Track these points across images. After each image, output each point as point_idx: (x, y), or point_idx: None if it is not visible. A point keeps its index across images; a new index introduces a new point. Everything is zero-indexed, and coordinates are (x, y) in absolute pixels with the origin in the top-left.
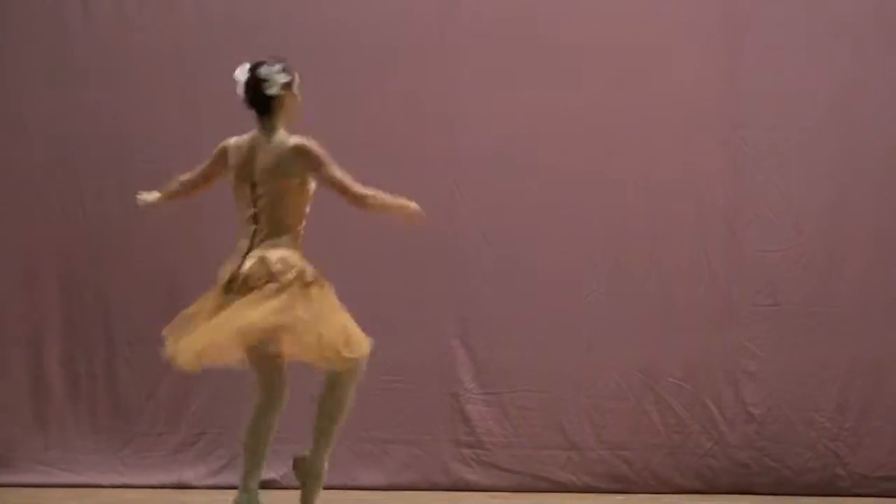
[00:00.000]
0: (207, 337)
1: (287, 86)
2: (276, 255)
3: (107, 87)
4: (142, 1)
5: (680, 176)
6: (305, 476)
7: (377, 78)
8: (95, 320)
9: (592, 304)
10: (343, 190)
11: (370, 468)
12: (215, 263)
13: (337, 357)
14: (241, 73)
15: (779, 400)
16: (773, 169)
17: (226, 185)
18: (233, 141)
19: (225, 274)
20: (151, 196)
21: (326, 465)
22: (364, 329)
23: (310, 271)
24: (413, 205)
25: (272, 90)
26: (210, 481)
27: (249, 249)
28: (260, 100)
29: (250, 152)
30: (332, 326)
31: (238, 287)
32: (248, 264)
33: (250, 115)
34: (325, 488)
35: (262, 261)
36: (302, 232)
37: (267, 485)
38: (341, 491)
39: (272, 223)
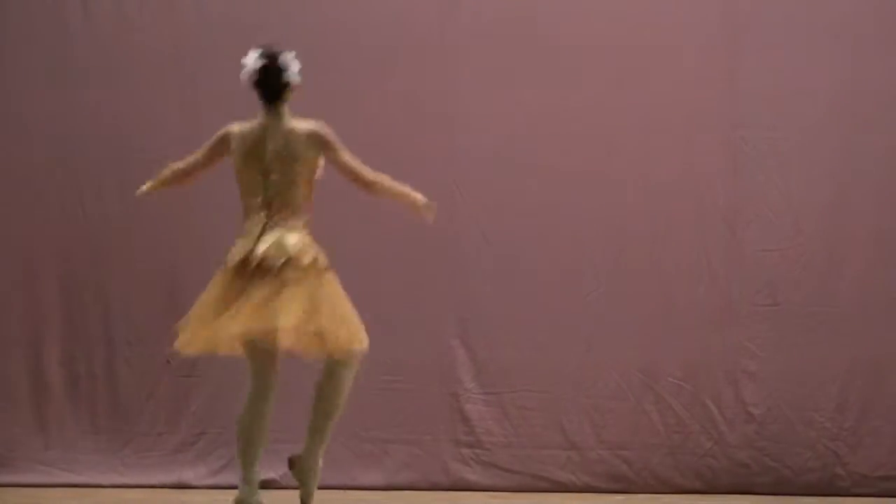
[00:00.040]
0: (230, 325)
1: (298, 73)
2: (293, 238)
3: (107, 87)
4: (142, 1)
5: (680, 176)
6: (301, 474)
7: (377, 78)
8: (95, 320)
9: (592, 304)
10: (355, 175)
11: (370, 468)
12: (215, 263)
13: (343, 347)
14: (256, 60)
15: (779, 400)
16: (773, 169)
17: (224, 184)
18: (236, 127)
19: (236, 255)
20: (144, 186)
21: (321, 461)
22: (364, 328)
23: (322, 257)
24: (423, 198)
25: (292, 78)
26: (210, 481)
27: (262, 233)
28: (276, 87)
29: (260, 138)
30: (344, 315)
31: (253, 269)
32: (263, 246)
33: (251, 112)
34: (325, 488)
35: (279, 244)
36: (310, 219)
37: (267, 485)
38: (341, 491)
39: (285, 208)
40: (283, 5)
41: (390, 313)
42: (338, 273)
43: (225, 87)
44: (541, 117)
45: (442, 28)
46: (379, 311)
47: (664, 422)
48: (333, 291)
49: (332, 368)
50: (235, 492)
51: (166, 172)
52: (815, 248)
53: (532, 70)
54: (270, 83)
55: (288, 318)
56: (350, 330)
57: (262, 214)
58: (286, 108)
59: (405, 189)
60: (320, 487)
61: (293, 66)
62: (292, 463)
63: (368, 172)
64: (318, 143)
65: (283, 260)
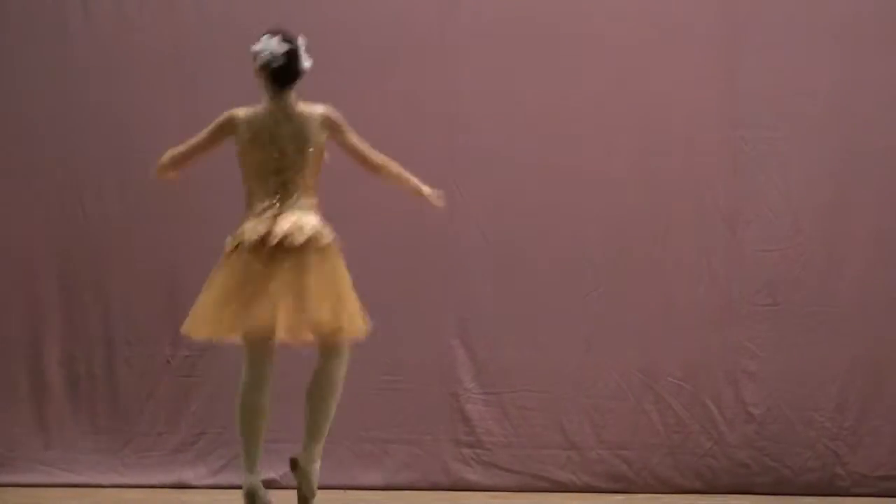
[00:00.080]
0: (258, 312)
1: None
2: (312, 219)
3: (107, 87)
4: (142, 1)
5: (680, 176)
6: (304, 475)
7: (377, 78)
8: (95, 320)
9: (592, 304)
10: (363, 158)
11: (370, 468)
12: (215, 263)
13: (350, 332)
14: (280, 43)
15: (779, 400)
16: (773, 169)
17: (225, 185)
18: (241, 112)
19: (252, 234)
20: (156, 175)
21: (319, 459)
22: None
23: (335, 239)
24: (429, 189)
25: (307, 63)
26: (210, 481)
27: (277, 214)
28: (295, 71)
29: (273, 122)
30: (354, 299)
31: (271, 250)
32: (284, 225)
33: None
34: (325, 488)
35: (299, 224)
36: (319, 203)
37: (267, 485)
38: (341, 491)
39: (298, 191)
40: (283, 5)
41: (390, 313)
42: None
43: (225, 87)
44: (541, 117)
45: (442, 28)
46: (379, 311)
47: (664, 422)
48: (344, 274)
49: (325, 364)
50: (235, 492)
51: (166, 159)
52: (814, 248)
53: (532, 70)
54: (291, 68)
55: (320, 313)
56: (357, 314)
57: (277, 196)
58: (293, 93)
59: (413, 179)
60: (320, 487)
61: (306, 52)
62: (294, 464)
63: (376, 156)
64: (330, 125)
65: (304, 239)
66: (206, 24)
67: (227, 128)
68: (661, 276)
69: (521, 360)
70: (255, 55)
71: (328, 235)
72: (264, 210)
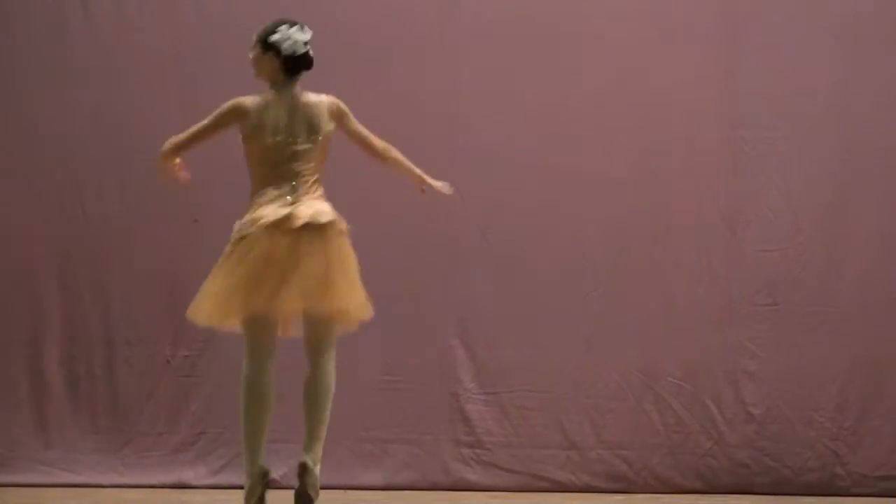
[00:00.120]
0: (293, 296)
1: None
2: (326, 206)
3: (107, 87)
4: (142, 1)
5: (680, 176)
6: (312, 478)
7: (377, 78)
8: (95, 320)
9: (592, 304)
10: (367, 143)
11: (370, 468)
12: (215, 263)
13: (359, 316)
14: (305, 31)
15: (778, 400)
16: (773, 169)
17: (225, 184)
18: (248, 100)
19: (270, 216)
20: (164, 164)
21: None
22: (364, 328)
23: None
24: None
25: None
26: (210, 481)
27: (294, 201)
28: (309, 60)
29: (283, 110)
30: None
31: (292, 233)
32: (307, 210)
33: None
34: (325, 488)
35: (318, 210)
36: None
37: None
38: (341, 491)
39: (311, 178)
40: (283, 5)
41: (390, 313)
42: None
43: (225, 87)
44: (541, 117)
45: (442, 28)
46: (379, 311)
47: (664, 422)
48: (356, 262)
49: (319, 362)
50: (235, 492)
51: (168, 146)
52: (814, 248)
53: (532, 70)
54: (308, 57)
55: (341, 295)
56: (366, 303)
57: (291, 184)
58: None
59: (415, 168)
60: (321, 487)
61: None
62: (305, 468)
63: (380, 142)
64: (338, 114)
65: (327, 220)
66: (206, 24)
67: (234, 115)
68: (661, 276)
69: (521, 360)
70: (276, 43)
71: (343, 222)
72: (280, 196)
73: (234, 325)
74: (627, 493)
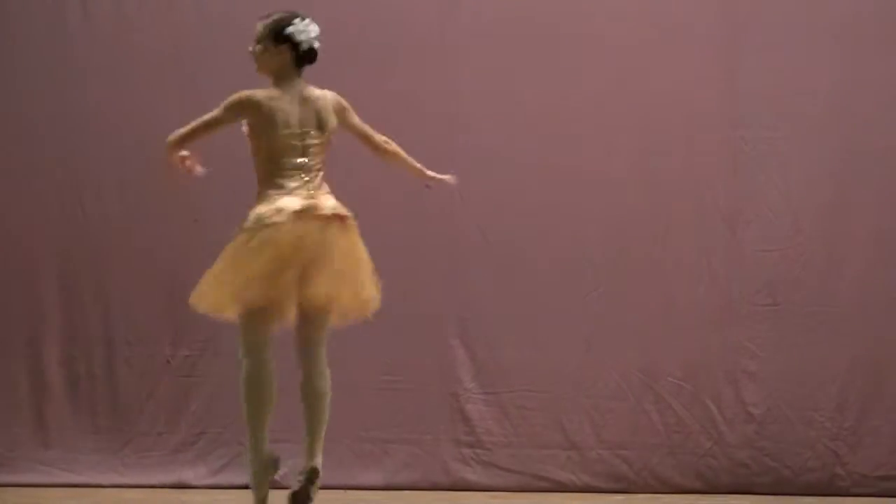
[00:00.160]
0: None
1: None
2: (336, 202)
3: (107, 87)
4: (141, 1)
5: (680, 176)
6: (316, 481)
7: (377, 78)
8: (95, 320)
9: (592, 304)
10: (367, 136)
11: (370, 468)
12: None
13: (373, 306)
14: (314, 26)
15: (778, 400)
16: (773, 169)
17: (224, 184)
18: (260, 93)
19: (292, 205)
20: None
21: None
22: (364, 328)
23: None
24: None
25: None
26: (210, 481)
27: (311, 194)
28: (316, 53)
29: (295, 103)
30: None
31: (321, 219)
32: (325, 202)
33: None
34: (325, 488)
35: (335, 203)
36: None
37: None
38: (341, 491)
39: (319, 174)
40: (283, 5)
41: (390, 313)
42: None
43: (225, 87)
44: (541, 117)
45: (442, 28)
46: (379, 311)
47: (664, 422)
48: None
49: (313, 359)
50: (235, 492)
51: (174, 137)
52: (814, 248)
53: (532, 70)
54: (316, 51)
55: (372, 289)
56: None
57: (301, 178)
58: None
59: (415, 162)
60: (321, 487)
61: None
62: (315, 472)
63: (379, 136)
64: (341, 108)
65: (346, 214)
66: (206, 24)
67: (245, 107)
68: (661, 276)
69: (521, 360)
70: (292, 35)
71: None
72: (296, 189)
73: (236, 312)
74: (627, 493)
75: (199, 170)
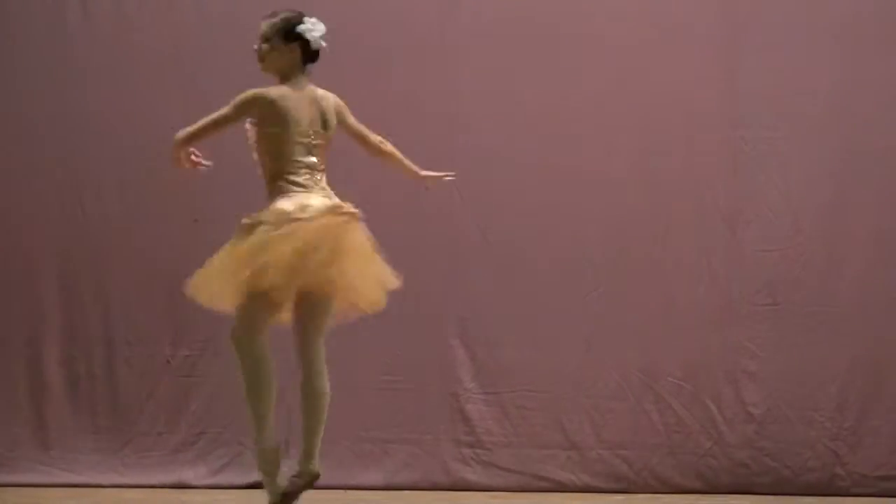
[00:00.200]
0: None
1: None
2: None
3: (107, 87)
4: (141, 1)
5: (680, 176)
6: (314, 480)
7: (377, 78)
8: (95, 320)
9: (592, 304)
10: (364, 137)
11: (370, 468)
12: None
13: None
14: (321, 25)
15: (778, 400)
16: (773, 169)
17: (224, 184)
18: (272, 91)
19: (318, 202)
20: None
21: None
22: (364, 328)
23: None
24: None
25: None
26: (210, 481)
27: (325, 194)
28: (318, 53)
29: (304, 102)
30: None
31: (343, 216)
32: (345, 203)
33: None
34: (325, 488)
35: (345, 203)
36: None
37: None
38: (341, 491)
39: (324, 173)
40: (284, 5)
41: (390, 313)
42: None
43: (225, 87)
44: (541, 117)
45: (442, 28)
46: (378, 311)
47: (664, 422)
48: None
49: (309, 365)
50: (235, 492)
51: (182, 135)
52: (814, 248)
53: (532, 70)
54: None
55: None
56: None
57: (311, 177)
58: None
59: (411, 163)
60: (321, 487)
61: None
62: (316, 476)
63: (374, 136)
64: (340, 109)
65: (358, 212)
66: (206, 24)
67: (257, 105)
68: (661, 276)
69: (521, 360)
70: (303, 34)
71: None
72: (311, 188)
73: (238, 301)
74: (627, 493)
75: (205, 164)
